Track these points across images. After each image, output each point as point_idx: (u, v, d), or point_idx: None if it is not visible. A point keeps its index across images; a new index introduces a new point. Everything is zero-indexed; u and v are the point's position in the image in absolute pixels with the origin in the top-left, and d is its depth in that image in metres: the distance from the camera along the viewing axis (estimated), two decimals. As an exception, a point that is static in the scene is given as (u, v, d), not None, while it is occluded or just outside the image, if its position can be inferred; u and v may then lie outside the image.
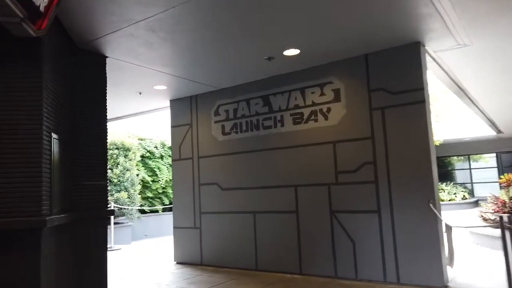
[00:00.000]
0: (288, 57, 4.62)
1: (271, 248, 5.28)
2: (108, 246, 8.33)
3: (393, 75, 4.53)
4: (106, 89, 4.23)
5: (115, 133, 10.68)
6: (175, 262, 6.22)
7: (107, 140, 4.18)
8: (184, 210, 6.21)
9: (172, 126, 6.50)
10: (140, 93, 5.88)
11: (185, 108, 6.33)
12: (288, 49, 4.38)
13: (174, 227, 6.33)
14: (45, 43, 3.06)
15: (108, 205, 4.21)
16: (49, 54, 3.18)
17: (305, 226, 5.01)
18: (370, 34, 4.09)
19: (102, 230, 4.03)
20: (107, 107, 4.20)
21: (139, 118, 9.61)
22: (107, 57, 4.28)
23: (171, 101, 6.50)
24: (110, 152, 10.41)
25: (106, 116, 4.19)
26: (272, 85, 5.41)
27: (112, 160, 10.47)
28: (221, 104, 5.92)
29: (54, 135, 3.16)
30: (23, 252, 2.80)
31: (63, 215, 3.26)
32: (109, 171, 10.25)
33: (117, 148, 10.68)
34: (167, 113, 6.65)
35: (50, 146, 3.08)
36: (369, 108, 4.66)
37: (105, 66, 4.27)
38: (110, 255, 7.55)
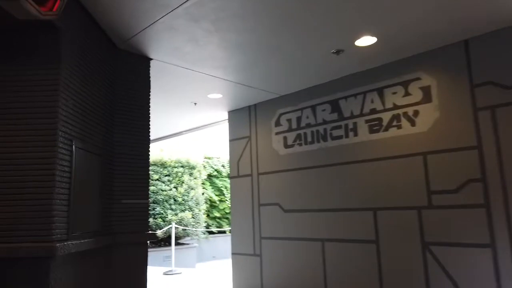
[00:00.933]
0: (362, 48, 3.74)
1: (345, 284, 4.28)
2: (168, 270, 8.05)
3: (505, 64, 3.41)
4: (149, 95, 3.74)
5: (179, 150, 10.51)
6: (234, 293, 5.49)
7: (149, 156, 3.65)
8: (243, 234, 5.48)
9: (230, 140, 5.90)
10: (195, 104, 5.39)
11: (243, 119, 5.70)
12: (361, 37, 3.51)
13: (233, 253, 5.62)
14: (69, 39, 2.62)
15: (149, 228, 3.67)
16: (76, 52, 2.73)
17: (388, 261, 3.96)
18: (472, 12, 3.08)
19: (141, 256, 3.44)
20: (150, 116, 3.70)
21: (202, 135, 9.30)
22: (151, 59, 3.81)
23: (229, 112, 5.92)
24: (175, 170, 10.22)
25: (149, 126, 3.68)
26: (342, 87, 4.54)
27: (177, 178, 10.23)
28: (283, 112, 5.17)
29: (76, 144, 2.66)
30: (28, 285, 2.26)
31: (87, 240, 2.71)
32: (173, 189, 10.03)
33: (182, 166, 10.44)
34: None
35: (70, 156, 2.58)
36: (473, 108, 3.56)
37: (149, 69, 3.80)
38: (166, 280, 7.20)
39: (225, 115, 6.03)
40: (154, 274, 7.51)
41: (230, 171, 5.87)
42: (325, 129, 4.66)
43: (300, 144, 4.90)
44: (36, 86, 2.44)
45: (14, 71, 2.44)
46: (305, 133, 4.87)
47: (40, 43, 2.50)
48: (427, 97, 3.86)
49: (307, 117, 4.87)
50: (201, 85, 4.67)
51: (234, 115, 5.85)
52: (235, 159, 5.76)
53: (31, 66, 2.46)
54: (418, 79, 3.94)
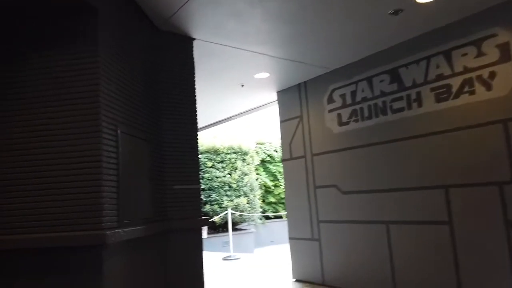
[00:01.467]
0: (424, 6, 3.29)
1: (415, 271, 3.91)
2: (227, 255, 8.09)
3: None
4: (194, 78, 3.60)
5: (231, 137, 10.48)
6: (294, 280, 5.31)
7: (198, 139, 3.53)
8: (299, 218, 5.26)
9: (281, 121, 5.66)
10: (242, 86, 5.20)
11: (293, 98, 5.42)
12: (423, -9, 3.07)
13: (290, 238, 5.43)
14: (107, 21, 2.52)
15: (202, 213, 3.59)
16: (116, 34, 2.64)
17: (464, 244, 3.53)
18: None
19: (196, 242, 3.36)
20: (195, 98, 3.57)
21: (253, 120, 9.15)
22: (193, 39, 3.66)
23: (278, 92, 5.66)
24: (228, 156, 10.23)
25: (195, 110, 3.55)
26: (402, 54, 4.08)
27: (230, 165, 10.24)
28: (335, 88, 4.82)
29: (122, 129, 2.58)
30: (81, 274, 2.23)
31: (139, 227, 2.65)
32: (227, 176, 10.05)
33: (234, 152, 10.42)
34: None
35: (116, 142, 2.51)
36: None
37: (192, 50, 3.66)
38: (226, 265, 7.21)
39: (274, 96, 5.79)
40: (214, 260, 7.58)
41: (282, 154, 5.65)
42: (384, 102, 4.25)
43: (356, 121, 4.53)
44: (76, 70, 2.38)
45: (53, 57, 2.39)
46: (361, 108, 4.48)
47: (78, 27, 2.42)
48: (505, 55, 3.33)
49: (363, 91, 4.48)
50: (246, 65, 4.46)
51: (284, 95, 5.59)
52: (287, 141, 5.52)
53: (70, 50, 2.40)
54: (493, 35, 3.40)
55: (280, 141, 5.71)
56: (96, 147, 2.31)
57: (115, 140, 2.51)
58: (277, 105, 5.73)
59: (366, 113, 4.43)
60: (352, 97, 4.60)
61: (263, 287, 5.13)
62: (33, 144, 2.33)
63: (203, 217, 3.49)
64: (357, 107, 4.53)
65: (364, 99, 4.45)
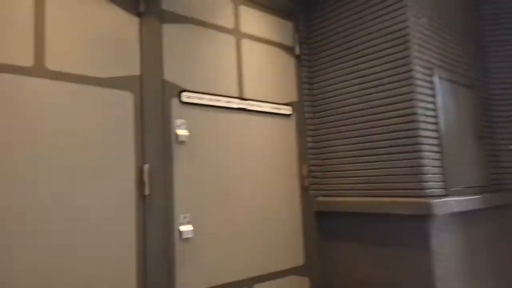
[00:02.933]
0: None
1: None
2: None
3: None
4: (531, -6, 2.55)
5: None
6: None
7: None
8: None
9: None
10: None
11: None
12: None
13: None
14: None
15: None
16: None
17: None
18: None
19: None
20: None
21: None
22: None
23: None
24: None
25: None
26: None
27: None
28: None
29: (439, 74, 2.05)
30: (404, 246, 1.90)
31: (471, 197, 2.06)
32: None
33: None
34: None
35: (432, 90, 2.00)
36: None
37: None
38: None
39: None
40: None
41: None
42: None
43: None
44: (378, 5, 2.03)
45: None
46: None
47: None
48: None
49: None
50: None
51: None
52: None
53: (370, -11, 2.08)
54: None
55: None
56: (409, 98, 1.89)
57: (431, 88, 2.01)
58: None
59: None
60: None
61: None
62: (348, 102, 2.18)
63: None
64: None
65: None
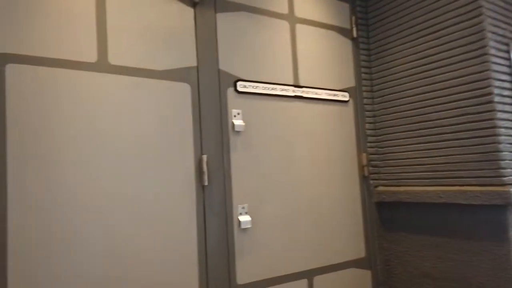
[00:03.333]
0: None
1: None
2: None
3: None
4: None
5: None
6: None
7: None
8: None
9: None
10: None
11: None
12: None
13: None
14: None
15: None
16: None
17: None
18: None
19: None
20: None
21: None
22: None
23: None
24: None
25: None
26: None
27: None
28: None
29: (516, 50, 1.85)
30: (486, 235, 1.75)
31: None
32: None
33: None
34: None
35: (509, 68, 1.81)
36: None
37: None
38: None
39: None
40: None
41: None
42: None
43: None
44: (446, -17, 1.87)
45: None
46: None
47: None
48: None
49: None
50: None
51: None
52: None
53: (436, -39, 1.91)
54: None
55: None
56: (484, 77, 1.73)
57: (508, 66, 1.81)
58: None
59: None
60: None
61: None
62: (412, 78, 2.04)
63: None
64: None
65: None
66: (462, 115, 1.81)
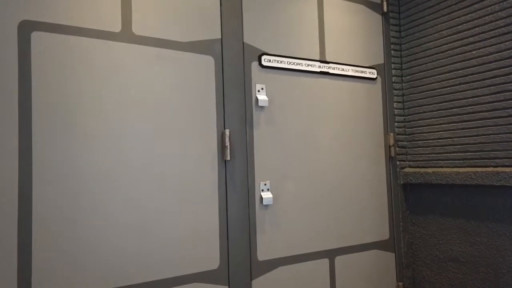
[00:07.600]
0: None
1: None
2: None
3: None
4: None
5: None
6: None
7: None
8: None
9: None
10: None
11: None
12: None
13: None
14: None
15: None
16: None
17: None
18: None
19: None
20: None
21: None
22: None
23: None
24: None
25: None
26: None
27: None
28: None
29: (561, 24, 1.72)
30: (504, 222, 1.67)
31: None
32: None
33: None
34: None
35: (554, 43, 1.69)
36: None
37: None
38: None
39: None
40: None
41: None
42: None
43: None
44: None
45: None
46: None
47: None
48: None
49: None
50: None
51: None
52: None
53: None
54: None
55: None
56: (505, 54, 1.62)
57: (552, 40, 1.69)
58: None
59: None
60: None
61: None
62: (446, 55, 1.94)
63: None
64: None
65: None
66: (499, 92, 1.71)
